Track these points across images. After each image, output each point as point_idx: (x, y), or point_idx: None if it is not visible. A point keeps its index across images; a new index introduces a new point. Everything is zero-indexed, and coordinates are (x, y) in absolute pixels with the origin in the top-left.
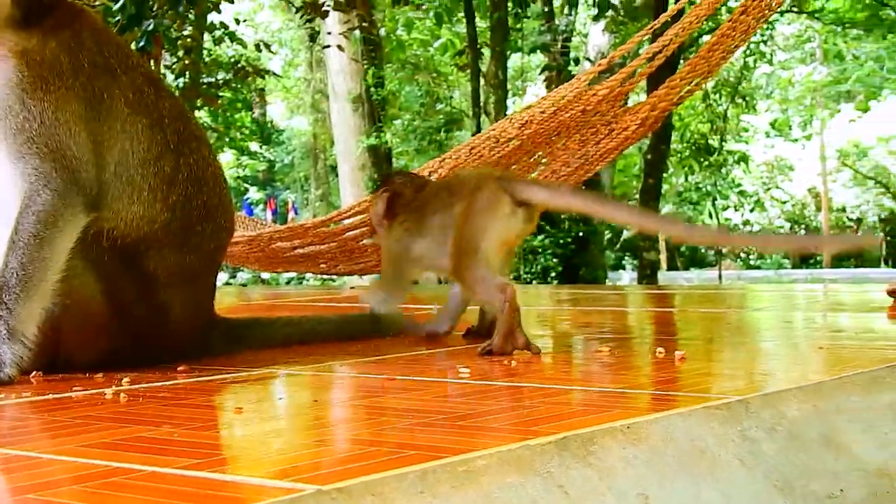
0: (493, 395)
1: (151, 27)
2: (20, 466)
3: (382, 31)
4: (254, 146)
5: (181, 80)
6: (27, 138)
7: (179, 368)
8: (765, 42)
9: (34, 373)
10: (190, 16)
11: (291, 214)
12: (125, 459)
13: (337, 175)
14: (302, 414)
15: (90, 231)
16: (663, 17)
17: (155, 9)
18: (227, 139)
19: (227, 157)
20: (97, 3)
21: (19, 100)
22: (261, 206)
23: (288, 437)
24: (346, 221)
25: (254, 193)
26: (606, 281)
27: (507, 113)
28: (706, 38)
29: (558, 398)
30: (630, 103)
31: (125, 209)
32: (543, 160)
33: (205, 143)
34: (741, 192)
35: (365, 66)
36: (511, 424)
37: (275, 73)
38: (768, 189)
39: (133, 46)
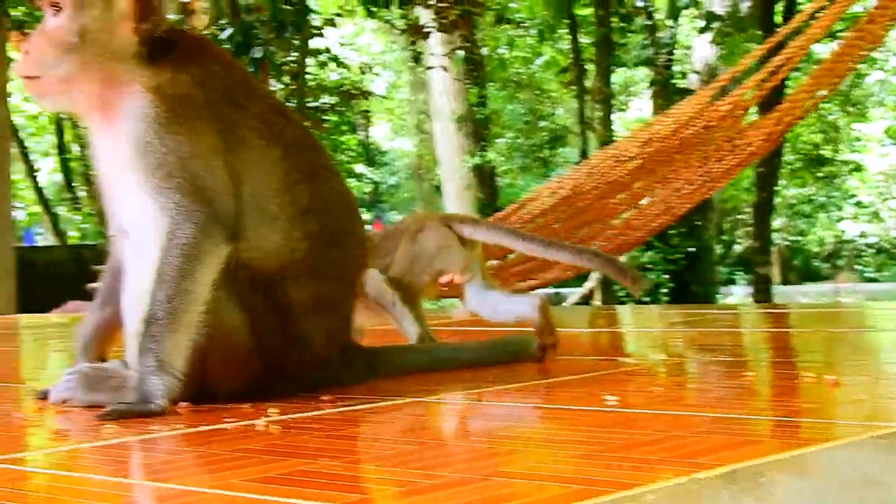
0: (644, 424)
1: (259, 54)
2: (186, 503)
3: (484, 51)
4: (359, 168)
5: (289, 105)
6: (166, 173)
7: (324, 398)
8: (877, 48)
9: (182, 404)
10: (295, 41)
11: None
12: (289, 494)
13: (442, 195)
14: (457, 445)
15: (231, 262)
16: (785, 30)
17: (262, 36)
18: (333, 162)
19: None
20: (205, 32)
21: (157, 135)
22: (367, 228)
23: (453, 469)
24: None
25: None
26: (718, 297)
27: (613, 128)
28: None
29: (713, 427)
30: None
31: (264, 239)
32: (665, 178)
33: (334, 171)
34: (857, 203)
35: (467, 86)
36: (672, 456)
37: (380, 95)
38: (885, 199)
39: None
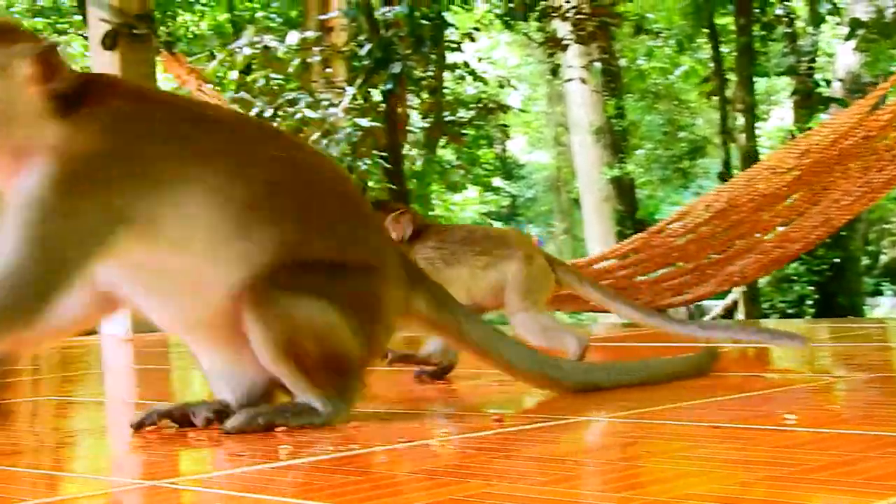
0: (831, 444)
1: (398, 70)
2: None
3: (622, 62)
4: (496, 181)
5: (427, 120)
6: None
7: (494, 418)
8: None
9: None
10: (432, 56)
11: None
12: None
13: (580, 208)
14: (640, 465)
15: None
16: None
17: (400, 52)
18: (471, 176)
19: (471, 194)
20: (345, 48)
21: (36, 201)
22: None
23: (644, 491)
24: (612, 261)
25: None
26: (865, 308)
27: (757, 139)
28: None
29: None
30: None
31: (287, 237)
32: (824, 189)
33: (318, 154)
34: None
35: (605, 98)
36: (868, 479)
37: (518, 109)
38: None
39: (380, 89)
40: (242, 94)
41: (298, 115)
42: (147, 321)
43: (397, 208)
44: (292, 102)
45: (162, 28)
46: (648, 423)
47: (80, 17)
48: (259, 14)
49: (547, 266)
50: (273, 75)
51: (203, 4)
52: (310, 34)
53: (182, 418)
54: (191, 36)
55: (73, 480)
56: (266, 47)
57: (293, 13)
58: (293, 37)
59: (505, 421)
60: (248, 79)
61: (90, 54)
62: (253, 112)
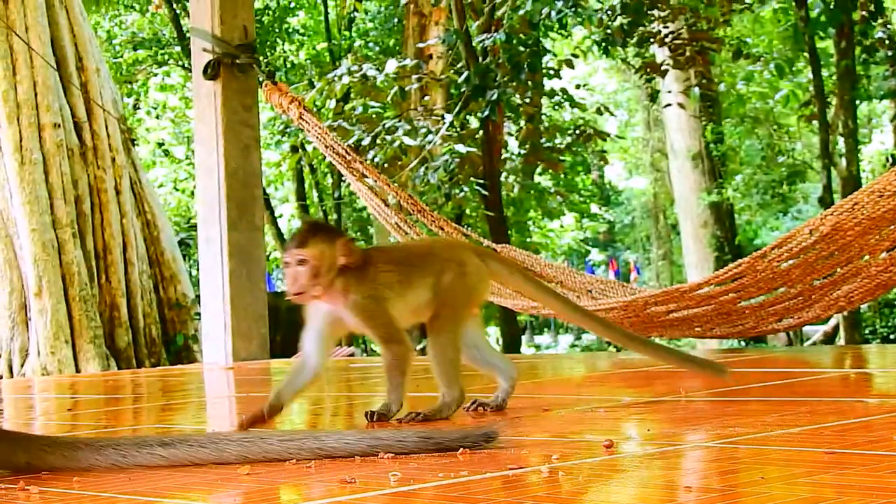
0: None
1: (496, 96)
2: None
3: (721, 87)
4: (594, 208)
5: (524, 147)
6: None
7: (604, 443)
8: None
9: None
10: (530, 83)
11: (634, 275)
12: None
13: (679, 233)
14: (766, 493)
15: None
16: None
17: (498, 79)
18: (568, 202)
19: (568, 220)
20: (442, 76)
21: None
22: (602, 268)
23: None
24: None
25: (595, 255)
26: None
27: (858, 163)
28: None
29: None
30: None
31: None
32: None
33: None
34: None
35: (703, 122)
36: None
37: (616, 135)
38: None
39: (478, 116)
40: (341, 122)
41: (396, 143)
42: (246, 349)
43: (342, 233)
44: (390, 130)
45: (261, 58)
46: (759, 449)
47: (179, 49)
48: (357, 43)
49: (481, 265)
50: (371, 103)
51: (302, 34)
52: (408, 62)
53: None
54: (289, 65)
55: None
56: (364, 76)
57: (391, 42)
58: (391, 65)
59: (614, 447)
60: (347, 107)
61: (192, 84)
62: (351, 140)
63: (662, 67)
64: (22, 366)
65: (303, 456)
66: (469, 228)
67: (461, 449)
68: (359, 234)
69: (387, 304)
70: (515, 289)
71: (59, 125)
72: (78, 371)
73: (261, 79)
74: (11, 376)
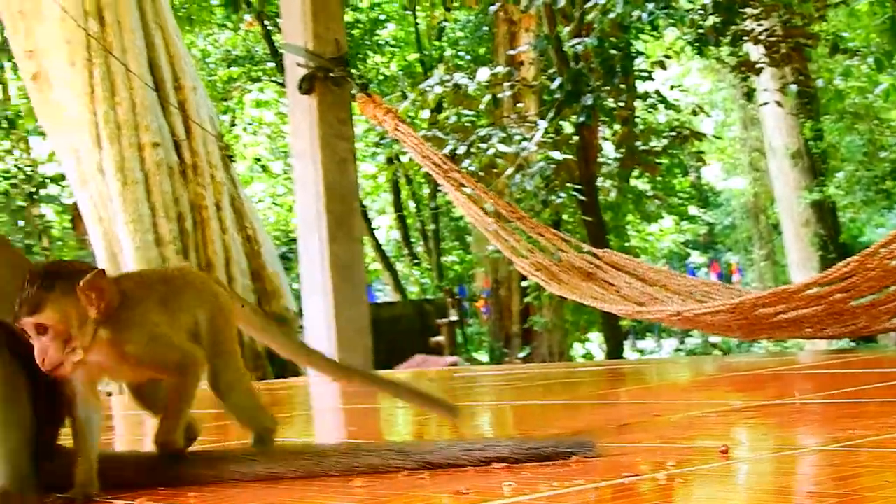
0: None
1: (590, 101)
2: None
3: (819, 83)
4: (693, 210)
5: (620, 150)
6: None
7: (720, 449)
8: None
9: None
10: (622, 86)
11: (736, 276)
12: None
13: (780, 233)
14: (892, 497)
15: None
16: None
17: (591, 83)
18: (666, 205)
19: (667, 223)
20: (535, 82)
21: None
22: (703, 270)
23: None
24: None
25: (696, 257)
26: None
27: None
28: None
29: None
30: None
31: None
32: None
33: None
34: None
35: (801, 120)
36: None
37: (712, 135)
38: None
39: (572, 121)
40: (434, 132)
41: (491, 151)
42: (351, 361)
43: (81, 272)
44: (484, 139)
45: (353, 71)
46: (880, 452)
47: (272, 65)
48: (448, 52)
49: (231, 302)
50: (464, 112)
51: (392, 46)
52: (499, 70)
53: None
54: (381, 77)
55: None
56: (456, 85)
57: (481, 50)
58: (483, 73)
59: (730, 452)
60: (440, 117)
61: (288, 99)
62: (446, 149)
63: (757, 66)
64: None
65: (408, 466)
66: (568, 234)
67: (559, 458)
68: (456, 242)
69: (164, 334)
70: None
71: (159, 144)
72: None
73: (354, 91)
74: (121, 392)
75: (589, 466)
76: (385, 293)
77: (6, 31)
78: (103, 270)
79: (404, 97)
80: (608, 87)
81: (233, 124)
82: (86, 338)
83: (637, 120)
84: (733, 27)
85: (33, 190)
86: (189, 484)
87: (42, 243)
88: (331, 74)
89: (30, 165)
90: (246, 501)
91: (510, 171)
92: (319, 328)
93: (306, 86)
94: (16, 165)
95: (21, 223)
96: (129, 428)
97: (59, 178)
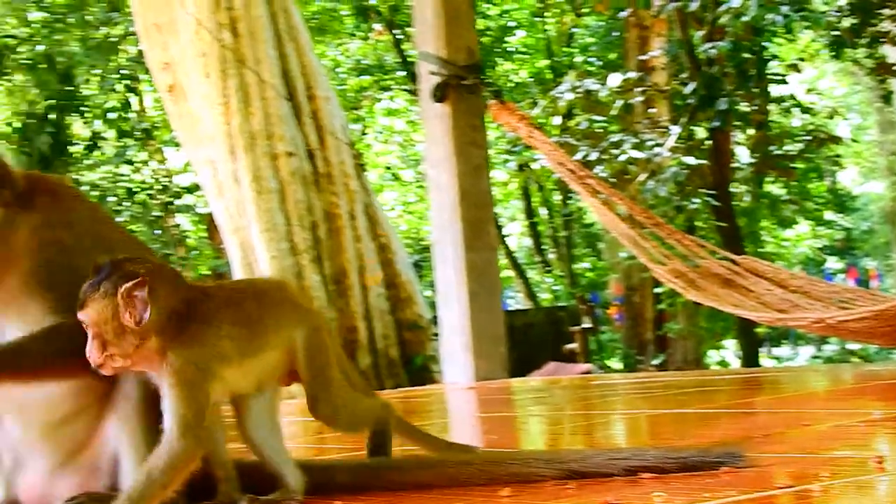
0: None
1: (724, 106)
2: None
3: None
4: (829, 215)
5: (754, 155)
6: None
7: (874, 459)
8: None
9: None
10: (755, 90)
11: (875, 282)
12: None
13: None
14: None
15: None
16: None
17: (724, 88)
18: (802, 210)
19: (803, 228)
20: (667, 87)
21: None
22: (840, 276)
23: None
24: None
25: (833, 263)
26: None
27: None
28: None
29: None
30: None
31: None
32: None
33: None
34: None
35: None
36: None
37: (849, 139)
38: None
39: (705, 126)
40: (566, 138)
41: (623, 157)
42: (487, 369)
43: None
44: (617, 144)
45: (487, 80)
46: None
47: (402, 74)
48: (578, 59)
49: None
50: (595, 118)
51: (522, 53)
52: (631, 75)
53: None
54: (511, 84)
55: None
56: (587, 91)
57: (612, 56)
58: (614, 79)
59: (885, 463)
60: (571, 123)
61: (421, 108)
62: (577, 156)
63: (895, 67)
64: None
65: (554, 475)
66: (703, 240)
67: (707, 468)
68: (588, 249)
69: (210, 382)
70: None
71: (293, 154)
72: None
73: (488, 98)
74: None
75: (739, 477)
76: (517, 301)
77: (142, 44)
78: (145, 281)
79: (535, 104)
80: (742, 92)
81: (364, 133)
82: (126, 345)
83: (771, 124)
84: (870, 28)
85: (169, 200)
86: (337, 492)
87: (178, 253)
88: (464, 82)
89: (165, 176)
90: None
91: (643, 176)
92: (454, 336)
93: (440, 94)
94: (152, 176)
95: (158, 233)
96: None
97: (194, 189)
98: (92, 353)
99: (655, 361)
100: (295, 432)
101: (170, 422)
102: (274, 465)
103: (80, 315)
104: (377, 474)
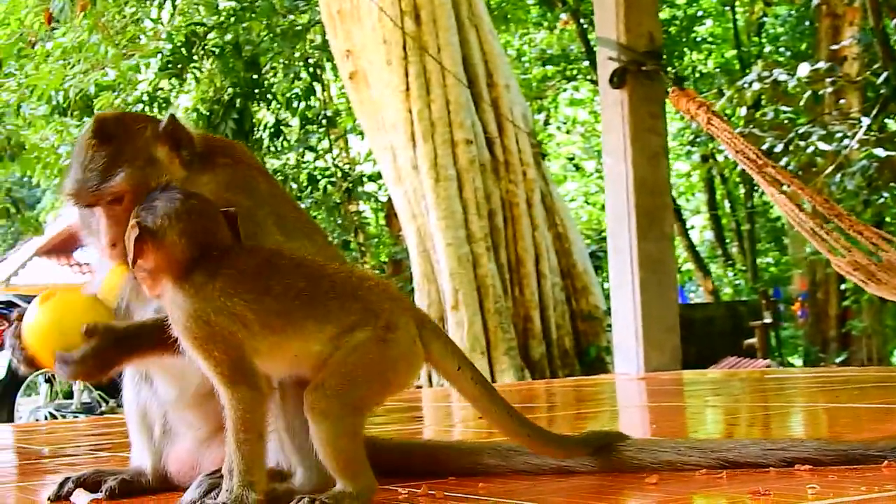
0: None
1: None
2: None
3: None
4: None
5: None
6: None
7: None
8: None
9: None
10: None
11: None
12: None
13: None
14: None
15: None
16: None
17: None
18: None
19: None
20: (859, 78)
21: None
22: None
23: None
24: None
25: None
26: None
27: None
28: None
29: None
30: None
31: None
32: None
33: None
34: None
35: None
36: None
37: None
38: None
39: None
40: (752, 129)
41: (811, 149)
42: (658, 360)
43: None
44: (804, 136)
45: (668, 68)
46: None
47: (587, 63)
48: (767, 49)
49: (415, 338)
50: (783, 109)
51: (710, 43)
52: (821, 65)
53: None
54: (698, 74)
55: None
56: (775, 81)
57: (802, 46)
58: (804, 69)
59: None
60: (757, 114)
61: (600, 94)
62: (763, 147)
63: None
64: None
65: (706, 464)
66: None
67: (869, 462)
68: (772, 244)
69: (235, 334)
70: (454, 384)
71: (472, 141)
72: (493, 382)
73: (668, 86)
74: (430, 386)
75: None
76: (698, 294)
77: (326, 32)
78: (141, 232)
79: (721, 94)
80: None
81: (546, 123)
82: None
83: None
84: None
85: (350, 187)
86: (479, 474)
87: (358, 239)
88: (643, 68)
89: (347, 163)
90: (536, 492)
91: (830, 169)
92: (626, 326)
93: (618, 79)
94: (334, 164)
95: (339, 221)
96: (438, 418)
97: (375, 177)
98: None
99: (838, 359)
100: (464, 417)
101: (213, 383)
102: (292, 458)
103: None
104: (521, 458)
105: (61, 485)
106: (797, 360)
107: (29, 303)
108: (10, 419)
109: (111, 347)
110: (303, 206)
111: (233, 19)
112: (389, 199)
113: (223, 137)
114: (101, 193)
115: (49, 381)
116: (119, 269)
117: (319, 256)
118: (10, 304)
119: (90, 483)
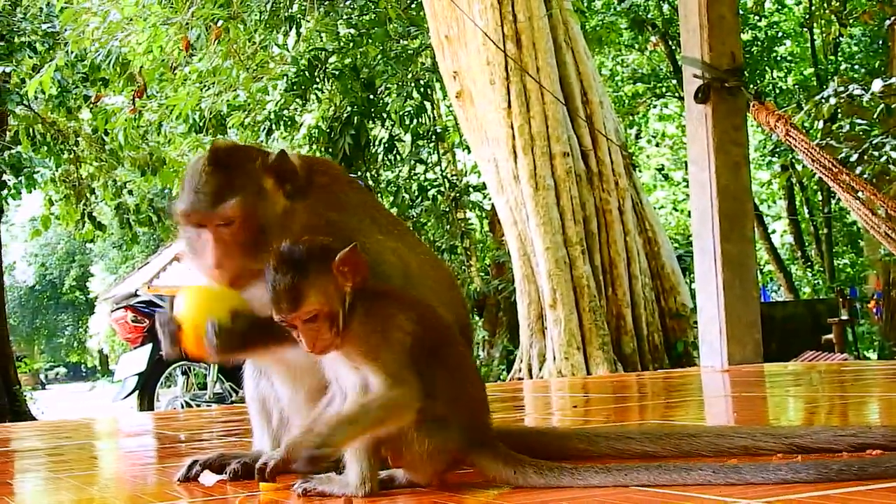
0: None
1: None
2: None
3: None
4: None
5: None
6: None
7: None
8: None
9: None
10: None
11: None
12: None
13: None
14: None
15: None
16: None
17: None
18: None
19: None
20: None
21: None
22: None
23: None
24: None
25: None
26: None
27: None
28: None
29: None
30: None
31: None
32: None
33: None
34: None
35: None
36: None
37: None
38: None
39: None
40: (829, 140)
41: (884, 158)
42: (741, 354)
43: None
44: (877, 146)
45: (750, 84)
46: None
47: (675, 81)
48: (843, 66)
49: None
50: (858, 121)
51: (789, 61)
52: (893, 81)
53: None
54: (778, 91)
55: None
56: (850, 96)
57: (875, 63)
58: (877, 84)
59: None
60: (834, 126)
61: (686, 108)
62: (839, 157)
63: None
64: (540, 369)
65: (780, 449)
66: None
67: None
68: (848, 246)
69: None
70: None
71: (568, 154)
72: (588, 374)
73: (749, 100)
74: (530, 378)
75: None
76: (779, 294)
77: (436, 55)
78: (356, 245)
79: (799, 108)
80: None
81: (638, 136)
82: (339, 319)
83: None
84: None
85: (457, 196)
86: (569, 457)
87: (464, 244)
88: (726, 84)
89: (455, 175)
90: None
91: None
92: (711, 323)
93: (702, 95)
94: (443, 175)
95: (447, 227)
96: (537, 407)
97: (480, 187)
98: (324, 337)
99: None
100: (561, 406)
101: (378, 381)
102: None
103: (297, 313)
104: (607, 442)
105: (189, 467)
106: (872, 354)
107: (166, 303)
108: (151, 408)
109: (249, 330)
110: (414, 213)
111: (351, 45)
112: (493, 208)
113: (323, 161)
114: (213, 216)
115: (185, 373)
116: (204, 290)
117: (412, 256)
118: (151, 304)
119: (216, 465)
